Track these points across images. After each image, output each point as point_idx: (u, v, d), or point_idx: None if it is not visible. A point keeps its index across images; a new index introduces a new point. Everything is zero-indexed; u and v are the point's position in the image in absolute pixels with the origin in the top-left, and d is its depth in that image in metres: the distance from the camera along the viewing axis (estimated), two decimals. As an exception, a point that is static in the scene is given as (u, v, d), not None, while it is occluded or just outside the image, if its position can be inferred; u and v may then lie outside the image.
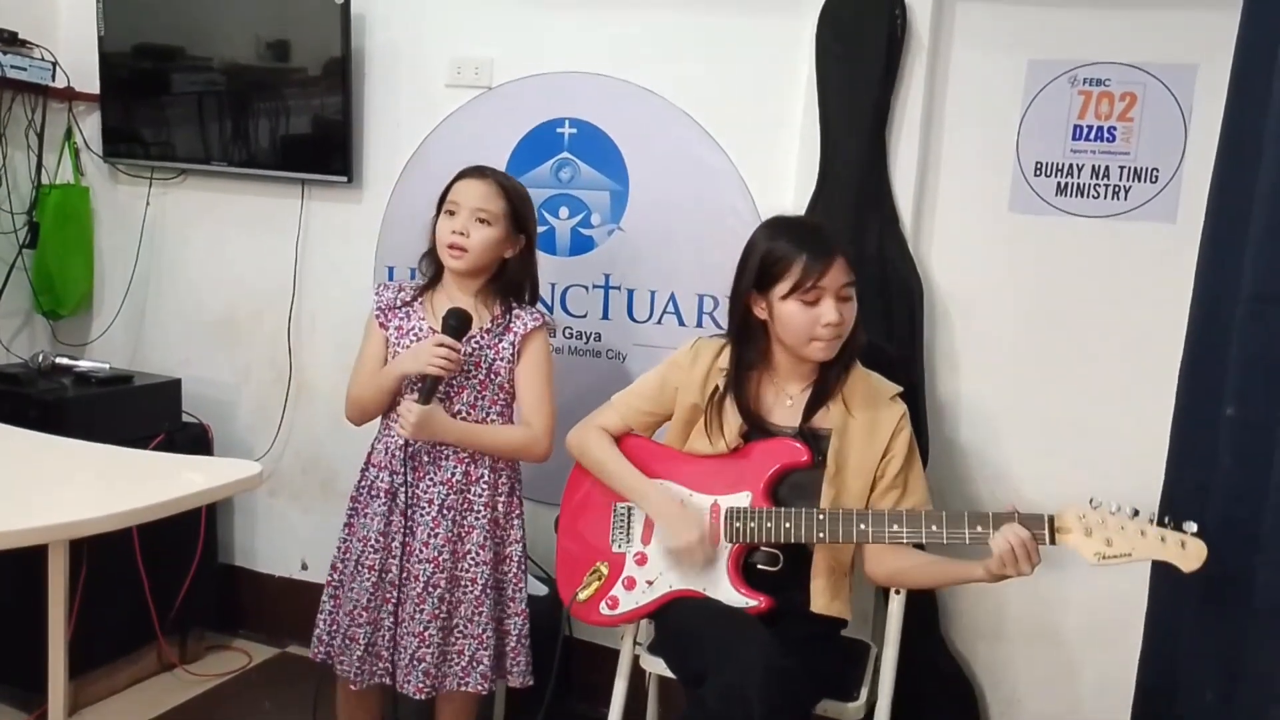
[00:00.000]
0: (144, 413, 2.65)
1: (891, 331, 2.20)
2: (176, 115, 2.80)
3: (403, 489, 2.02)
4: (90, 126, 2.94)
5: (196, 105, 2.77)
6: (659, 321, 2.45)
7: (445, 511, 2.01)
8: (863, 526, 1.74)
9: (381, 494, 2.04)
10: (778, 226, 1.88)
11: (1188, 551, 1.57)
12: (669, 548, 1.85)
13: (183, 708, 2.55)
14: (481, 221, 2.00)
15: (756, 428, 1.89)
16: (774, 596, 1.81)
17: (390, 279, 2.62)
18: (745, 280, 1.86)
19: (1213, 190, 1.75)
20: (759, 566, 1.86)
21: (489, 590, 2.03)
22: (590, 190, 2.48)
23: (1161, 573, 1.78)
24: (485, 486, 2.04)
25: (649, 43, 2.41)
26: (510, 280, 2.09)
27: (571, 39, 2.48)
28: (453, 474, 2.02)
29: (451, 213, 2.01)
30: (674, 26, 2.39)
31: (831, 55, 2.22)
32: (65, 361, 2.68)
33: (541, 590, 2.41)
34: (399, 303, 2.09)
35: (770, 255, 1.82)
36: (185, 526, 2.65)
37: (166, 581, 2.64)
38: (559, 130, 2.49)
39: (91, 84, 2.86)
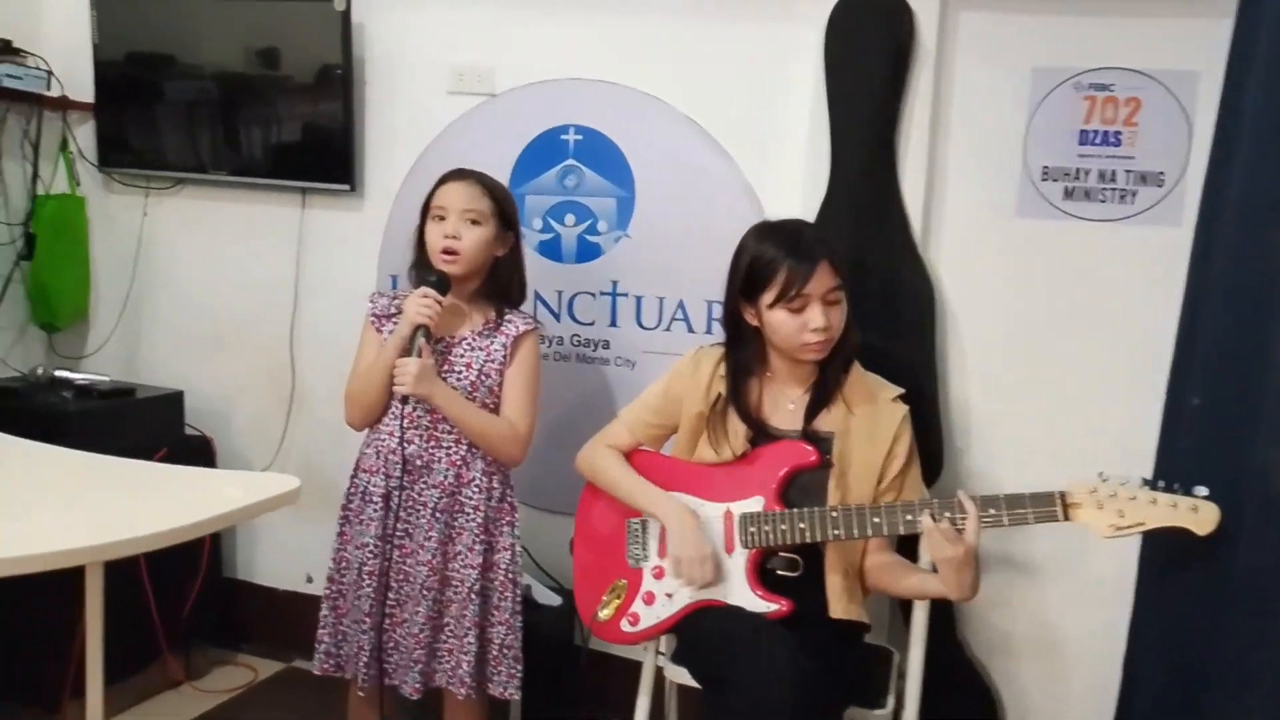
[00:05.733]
0: (146, 425, 2.62)
1: (901, 337, 2.21)
2: (172, 124, 2.77)
3: (397, 492, 2.01)
4: (85, 136, 2.90)
5: (193, 114, 2.73)
6: (668, 328, 2.44)
7: (438, 515, 2.01)
8: (876, 520, 1.74)
9: (376, 499, 2.03)
10: (763, 232, 1.87)
11: (1200, 515, 1.56)
12: (673, 555, 1.84)
13: (189, 724, 2.52)
14: (472, 223, 2.00)
15: (760, 433, 1.89)
16: (794, 602, 1.81)
17: (394, 288, 2.60)
18: (734, 289, 1.86)
19: (1204, 194, 1.79)
20: (779, 572, 1.86)
21: (474, 595, 2.01)
22: (596, 197, 2.47)
23: (1153, 546, 1.82)
24: (476, 490, 2.03)
25: (654, 49, 2.41)
26: (502, 282, 2.08)
27: (576, 45, 2.47)
28: (445, 477, 2.02)
29: (440, 218, 2.00)
30: (679, 33, 2.39)
31: (838, 64, 2.23)
32: (65, 374, 2.65)
33: (555, 600, 2.40)
34: (392, 310, 2.09)
35: (756, 263, 1.82)
36: (189, 541, 2.61)
37: (171, 597, 2.61)
38: (564, 137, 2.48)
39: (86, 93, 2.83)
